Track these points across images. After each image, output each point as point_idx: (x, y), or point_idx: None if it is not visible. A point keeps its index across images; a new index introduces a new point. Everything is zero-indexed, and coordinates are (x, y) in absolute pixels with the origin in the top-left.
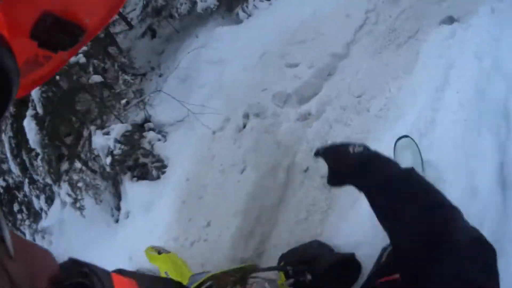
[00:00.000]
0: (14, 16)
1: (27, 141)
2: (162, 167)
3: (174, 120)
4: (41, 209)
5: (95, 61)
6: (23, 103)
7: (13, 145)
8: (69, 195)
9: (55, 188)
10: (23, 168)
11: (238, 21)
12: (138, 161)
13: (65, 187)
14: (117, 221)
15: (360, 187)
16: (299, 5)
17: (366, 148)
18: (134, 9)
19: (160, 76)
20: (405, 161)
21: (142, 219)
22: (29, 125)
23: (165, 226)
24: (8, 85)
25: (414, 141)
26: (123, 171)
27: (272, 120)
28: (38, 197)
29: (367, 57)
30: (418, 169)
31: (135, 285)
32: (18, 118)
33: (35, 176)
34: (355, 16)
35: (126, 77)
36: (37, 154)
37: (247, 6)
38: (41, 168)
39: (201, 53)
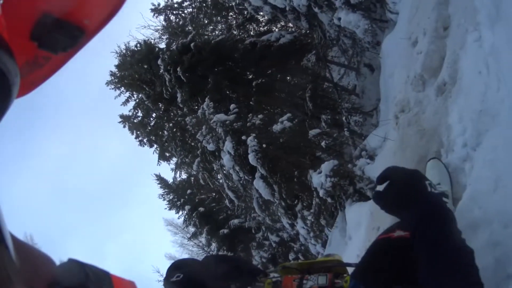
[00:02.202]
0: (14, 17)
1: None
2: (375, 187)
3: (380, 142)
4: (318, 252)
5: (323, 116)
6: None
7: (261, 203)
8: (303, 228)
9: (328, 231)
10: (292, 224)
11: None
12: (356, 186)
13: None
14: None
15: (416, 225)
16: None
17: (443, 194)
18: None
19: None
20: (433, 177)
21: (354, 237)
22: (258, 184)
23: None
24: (8, 86)
25: (441, 161)
26: (343, 198)
27: (416, 109)
28: (314, 244)
29: None
30: (447, 185)
31: (135, 286)
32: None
33: (301, 230)
34: None
35: (355, 117)
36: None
37: None
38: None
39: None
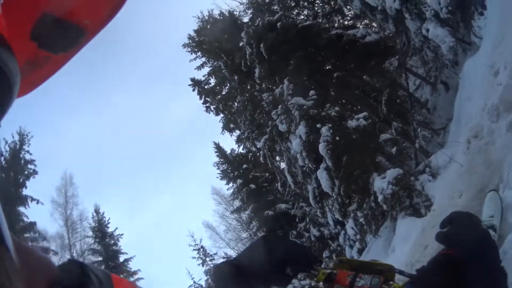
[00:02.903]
0: (14, 16)
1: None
2: (430, 205)
3: (445, 162)
4: (352, 257)
5: (395, 123)
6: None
7: (317, 193)
8: (352, 228)
9: (368, 239)
10: (339, 222)
11: None
12: (412, 200)
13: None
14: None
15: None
16: None
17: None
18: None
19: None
20: (489, 209)
21: (399, 250)
22: (321, 175)
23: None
24: (9, 85)
25: (499, 194)
26: (397, 210)
27: (488, 138)
28: (351, 247)
29: None
30: (498, 220)
31: (135, 287)
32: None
33: (349, 230)
34: None
35: (424, 132)
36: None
37: None
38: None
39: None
